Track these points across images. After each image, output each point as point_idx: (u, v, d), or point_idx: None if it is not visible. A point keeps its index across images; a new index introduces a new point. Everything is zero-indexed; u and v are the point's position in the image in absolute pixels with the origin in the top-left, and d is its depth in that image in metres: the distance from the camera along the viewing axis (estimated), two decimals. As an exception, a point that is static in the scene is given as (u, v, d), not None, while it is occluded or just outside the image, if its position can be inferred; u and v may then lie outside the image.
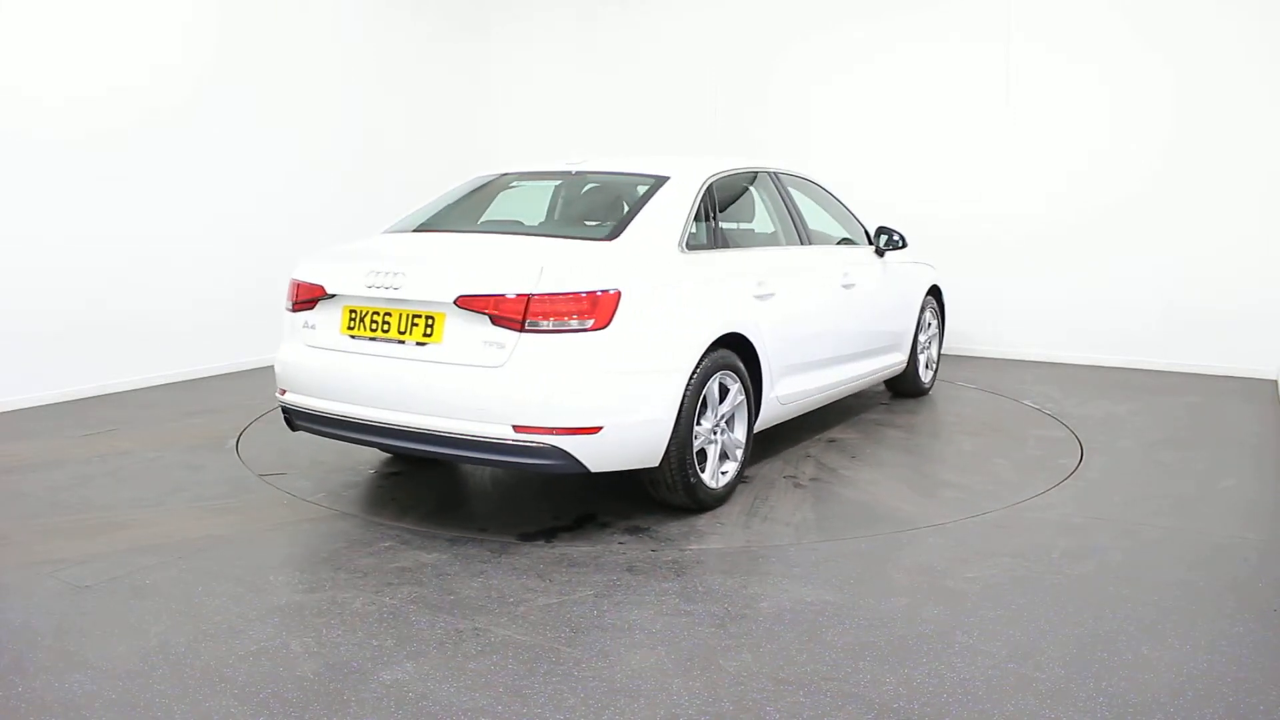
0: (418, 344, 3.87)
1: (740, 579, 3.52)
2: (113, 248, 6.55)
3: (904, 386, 6.51)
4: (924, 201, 8.07)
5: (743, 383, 4.35)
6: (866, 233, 5.98)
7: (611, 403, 3.74)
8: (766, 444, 5.26)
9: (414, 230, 4.66)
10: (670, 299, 4.04)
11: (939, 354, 6.85)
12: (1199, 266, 7.29)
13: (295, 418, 4.31)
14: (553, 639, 3.05)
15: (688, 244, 4.32)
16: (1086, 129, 7.59)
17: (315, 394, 4.16)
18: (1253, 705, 2.66)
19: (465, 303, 3.75)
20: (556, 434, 3.66)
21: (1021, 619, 3.19)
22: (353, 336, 4.05)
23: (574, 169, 4.94)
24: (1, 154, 5.96)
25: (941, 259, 7.16)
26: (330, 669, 2.85)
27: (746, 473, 4.77)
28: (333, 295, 4.10)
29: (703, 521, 4.14)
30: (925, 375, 6.60)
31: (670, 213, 4.34)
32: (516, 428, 3.67)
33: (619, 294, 3.75)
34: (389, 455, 5.01)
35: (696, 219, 4.48)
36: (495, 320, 3.70)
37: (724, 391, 4.28)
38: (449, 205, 4.90)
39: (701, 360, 4.06)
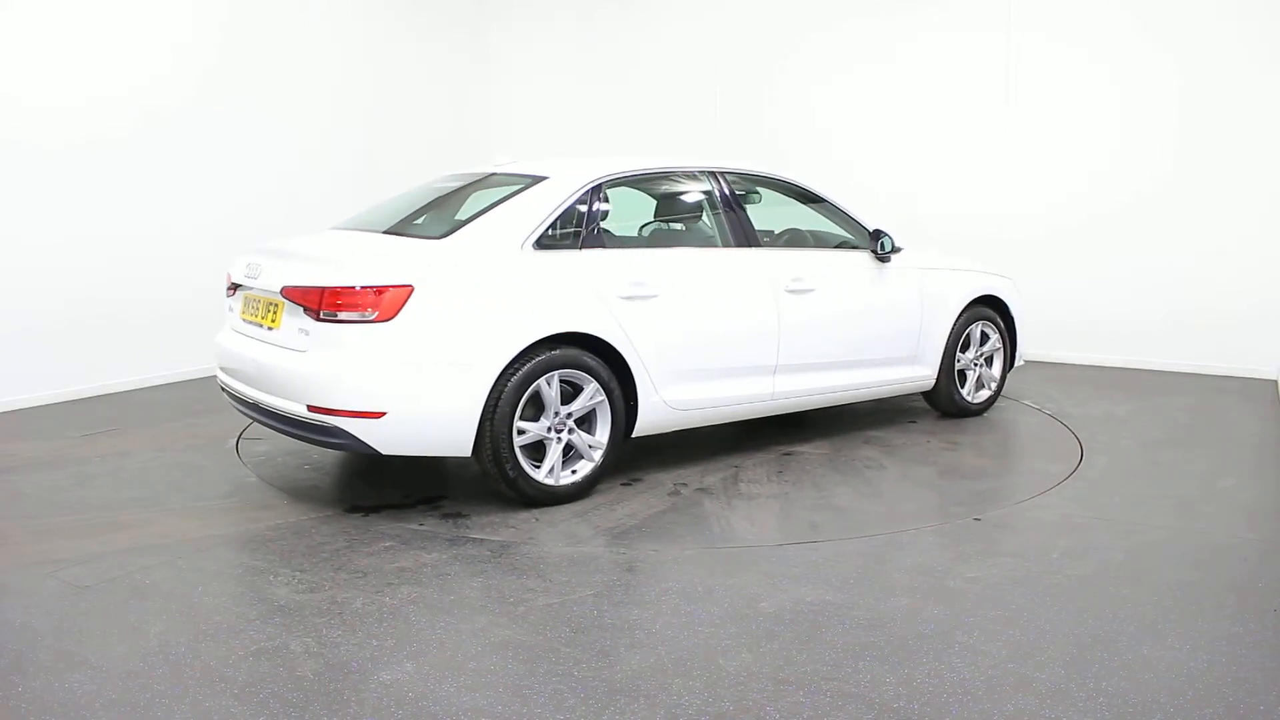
0: (268, 329, 4.33)
1: (738, 579, 3.52)
2: (113, 247, 6.55)
3: (941, 404, 5.94)
4: (924, 201, 8.06)
5: (602, 384, 4.36)
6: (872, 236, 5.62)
7: (397, 391, 3.97)
8: (713, 448, 5.22)
9: (333, 229, 4.98)
10: (484, 295, 4.16)
11: (1003, 372, 6.15)
12: (1199, 266, 7.28)
13: (223, 391, 4.78)
14: (553, 639, 3.05)
15: (539, 243, 4.37)
16: (1089, 131, 7.58)
17: (227, 372, 4.66)
18: (1253, 705, 2.66)
19: (287, 293, 4.14)
20: (340, 415, 3.97)
21: (1021, 619, 3.19)
22: (244, 320, 4.56)
23: (498, 170, 5.01)
24: (1, 155, 5.97)
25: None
26: (330, 669, 2.85)
27: (641, 475, 4.76)
28: (238, 284, 4.61)
29: (521, 516, 4.17)
30: (975, 395, 5.99)
31: (525, 213, 4.41)
32: (309, 407, 4.03)
33: (410, 289, 3.99)
34: None
35: (565, 219, 4.51)
36: (305, 310, 4.05)
37: (576, 390, 4.32)
38: (384, 206, 5.07)
39: (524, 357, 4.14)
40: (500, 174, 4.94)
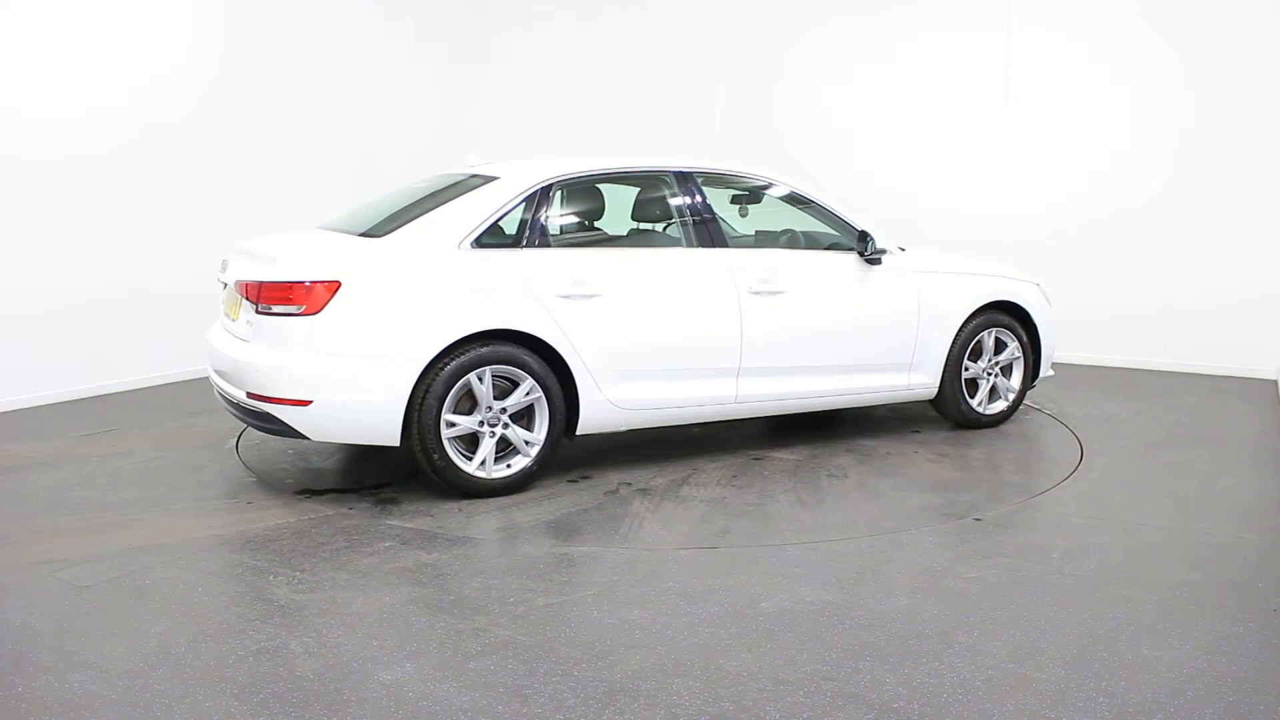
0: (232, 321, 4.56)
1: (740, 578, 3.52)
2: (113, 248, 6.54)
3: (949, 414, 5.65)
4: (924, 201, 8.05)
5: (539, 381, 4.40)
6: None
7: (321, 381, 4.16)
8: (685, 449, 5.20)
9: (315, 229, 5.08)
10: (412, 292, 4.30)
11: (1024, 384, 5.79)
12: (1199, 266, 7.28)
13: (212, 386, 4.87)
14: (553, 639, 3.05)
15: (478, 242, 4.47)
16: (1089, 131, 7.58)
17: (212, 367, 4.77)
18: (1253, 705, 2.66)
19: (239, 288, 4.39)
20: (271, 403, 4.20)
21: (1021, 619, 3.19)
22: (225, 314, 4.74)
23: (470, 171, 5.03)
24: (2, 156, 5.97)
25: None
26: (330, 669, 2.85)
27: (592, 472, 4.77)
28: (224, 280, 4.74)
29: (445, 506, 4.28)
30: (988, 406, 5.67)
31: (466, 213, 4.52)
32: (248, 394, 4.28)
33: (338, 284, 4.17)
34: None
35: (510, 219, 4.58)
36: (250, 304, 4.29)
37: (513, 386, 4.39)
38: (365, 206, 5.12)
39: (452, 352, 4.25)
40: (480, 174, 4.97)
